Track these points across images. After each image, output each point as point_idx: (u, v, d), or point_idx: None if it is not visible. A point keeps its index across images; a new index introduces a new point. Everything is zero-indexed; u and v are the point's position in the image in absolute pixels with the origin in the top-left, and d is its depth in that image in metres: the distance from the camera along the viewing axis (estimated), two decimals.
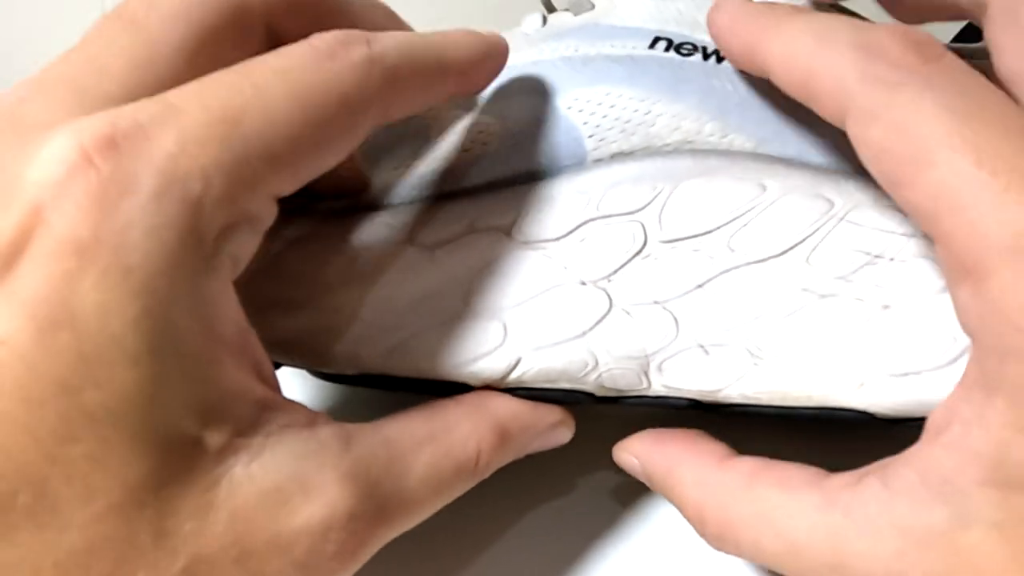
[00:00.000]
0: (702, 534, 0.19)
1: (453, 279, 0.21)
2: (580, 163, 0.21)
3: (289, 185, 0.16)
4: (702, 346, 0.21)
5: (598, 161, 0.21)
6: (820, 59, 0.17)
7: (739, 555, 0.19)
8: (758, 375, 0.21)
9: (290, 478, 0.15)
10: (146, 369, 0.13)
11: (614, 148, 0.21)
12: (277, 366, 0.21)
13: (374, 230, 0.21)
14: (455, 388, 0.21)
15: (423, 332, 0.21)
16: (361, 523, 0.16)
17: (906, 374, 0.20)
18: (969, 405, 0.16)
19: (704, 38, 0.22)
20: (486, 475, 0.20)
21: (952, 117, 0.15)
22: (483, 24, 0.25)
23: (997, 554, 0.15)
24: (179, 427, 0.14)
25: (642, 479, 0.21)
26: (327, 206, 0.21)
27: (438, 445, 0.18)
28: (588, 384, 0.21)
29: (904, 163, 0.16)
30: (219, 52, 0.17)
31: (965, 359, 0.19)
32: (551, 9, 0.25)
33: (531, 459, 0.22)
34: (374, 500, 0.17)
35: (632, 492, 0.24)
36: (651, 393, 0.21)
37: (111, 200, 0.13)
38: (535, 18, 0.24)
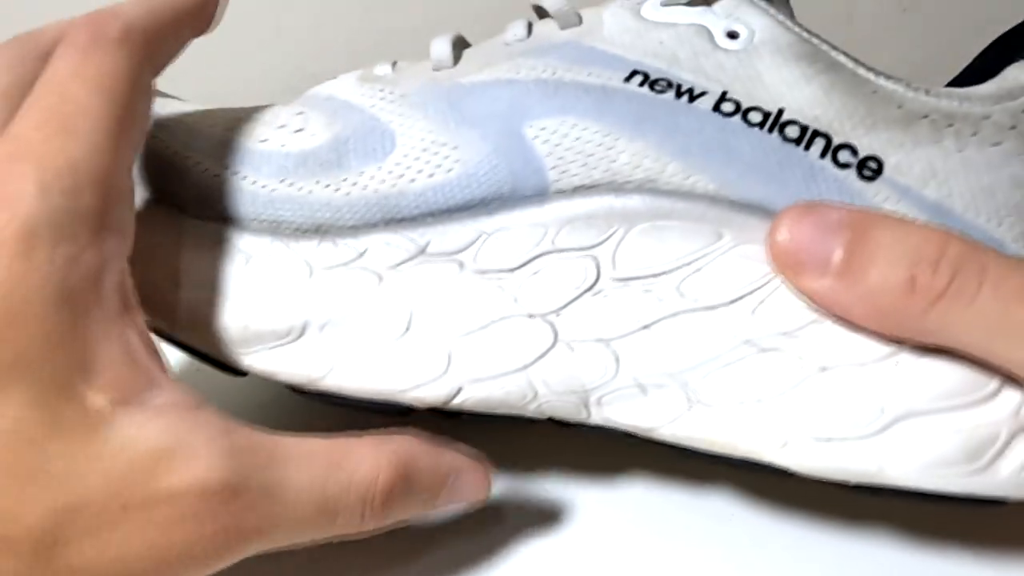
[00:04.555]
0: None
1: (401, 303, 0.21)
2: (541, 194, 0.21)
3: (128, 159, 0.19)
4: (641, 385, 0.21)
5: (559, 193, 0.21)
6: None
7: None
8: (691, 420, 0.21)
9: (168, 445, 0.17)
10: (40, 328, 0.16)
11: (576, 181, 0.21)
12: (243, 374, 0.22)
13: (323, 250, 0.21)
14: (400, 409, 0.21)
15: (367, 353, 0.21)
16: (233, 506, 0.17)
17: (831, 439, 0.20)
18: None
19: (681, 74, 0.21)
20: (384, 519, 0.20)
21: None
22: (483, 24, 0.25)
23: None
24: (67, 383, 0.17)
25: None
26: (286, 228, 0.21)
27: (330, 463, 0.19)
28: (528, 412, 0.22)
29: None
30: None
31: (891, 431, 0.20)
32: (541, 15, 0.24)
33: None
34: (247, 491, 0.18)
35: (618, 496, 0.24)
36: (591, 423, 0.22)
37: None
38: (520, 26, 0.23)
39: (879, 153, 0.21)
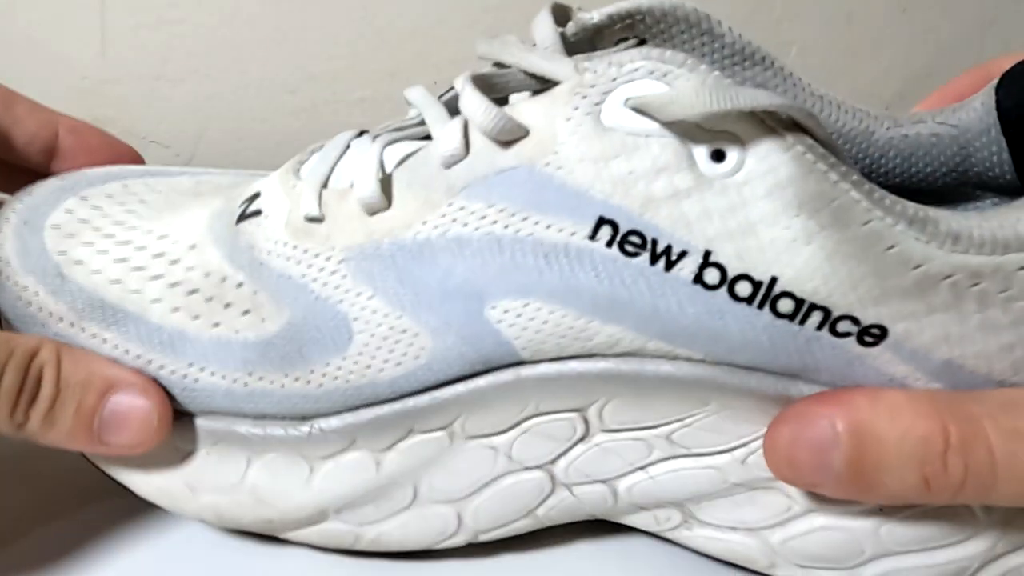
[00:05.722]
0: None
1: (402, 479, 0.22)
2: (516, 366, 0.20)
3: None
4: (642, 506, 0.22)
5: (535, 363, 0.20)
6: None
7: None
8: (688, 531, 0.22)
9: None
10: None
11: (551, 355, 0.20)
12: None
13: (314, 441, 0.21)
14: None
15: (386, 526, 0.22)
16: None
17: (812, 568, 0.22)
18: None
19: (658, 223, 0.18)
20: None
21: None
22: (483, 24, 0.25)
23: None
24: None
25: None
26: (272, 418, 0.22)
27: None
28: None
29: None
30: None
31: (870, 566, 0.21)
32: (496, 96, 0.20)
33: None
34: None
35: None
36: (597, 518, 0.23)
37: None
38: (455, 137, 0.19)
39: (884, 322, 0.18)
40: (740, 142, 0.18)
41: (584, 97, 0.18)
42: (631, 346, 0.19)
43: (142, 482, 0.22)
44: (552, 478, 0.22)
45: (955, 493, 0.18)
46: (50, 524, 0.24)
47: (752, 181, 0.18)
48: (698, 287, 0.18)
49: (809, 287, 0.18)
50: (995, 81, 0.21)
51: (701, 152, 0.18)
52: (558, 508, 0.22)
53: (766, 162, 0.18)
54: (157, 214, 0.23)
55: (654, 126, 0.18)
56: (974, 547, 0.20)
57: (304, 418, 0.21)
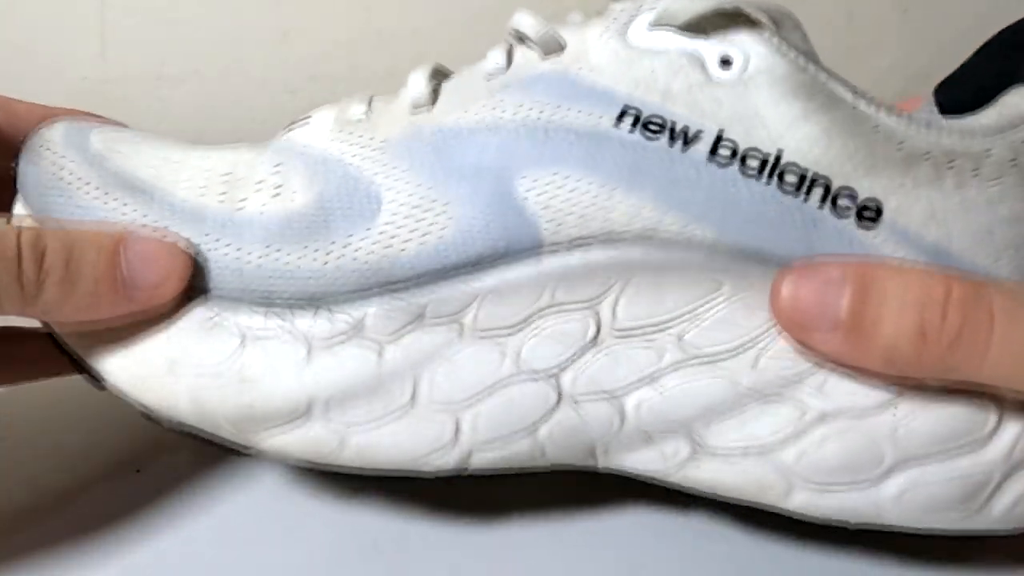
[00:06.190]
0: None
1: (403, 375, 0.21)
2: (537, 249, 0.21)
3: None
4: (647, 435, 0.21)
5: (555, 248, 0.21)
6: None
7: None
8: (696, 467, 0.21)
9: None
10: None
11: (572, 233, 0.20)
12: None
13: (320, 324, 0.21)
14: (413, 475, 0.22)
15: (375, 432, 0.21)
16: None
17: (832, 485, 0.21)
18: None
19: (675, 110, 0.20)
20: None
21: None
22: (483, 24, 0.25)
23: None
24: None
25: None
26: (278, 300, 0.21)
27: None
28: (537, 467, 0.22)
29: None
30: None
31: (890, 479, 0.20)
32: (521, 39, 0.22)
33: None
34: None
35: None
36: (598, 469, 0.22)
37: None
38: (499, 55, 0.22)
39: (879, 196, 0.20)
40: (744, 52, 0.21)
41: (614, 19, 0.21)
42: (648, 221, 0.20)
43: (118, 367, 0.21)
44: (558, 390, 0.21)
45: (948, 349, 0.19)
46: (49, 525, 0.24)
47: (755, 77, 0.20)
48: (712, 164, 0.20)
49: (810, 158, 0.20)
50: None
51: (712, 60, 0.21)
52: (561, 429, 0.21)
53: (765, 63, 0.20)
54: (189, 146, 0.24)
55: (672, 44, 0.21)
56: (993, 453, 0.20)
57: (312, 299, 0.21)
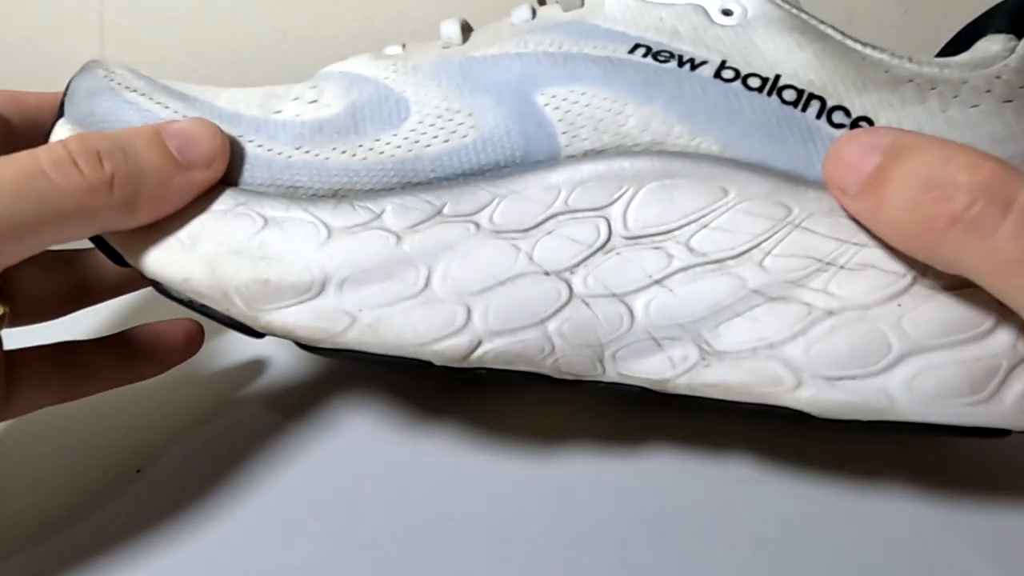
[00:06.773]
0: None
1: (419, 261, 0.21)
2: (553, 158, 0.22)
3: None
4: (654, 338, 0.22)
5: (570, 157, 0.22)
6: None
7: None
8: (705, 369, 0.22)
9: None
10: None
11: (586, 145, 0.22)
12: (260, 335, 0.22)
13: (341, 212, 0.22)
14: (418, 364, 0.22)
15: (387, 311, 0.21)
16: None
17: (842, 378, 0.21)
18: None
19: (682, 47, 0.23)
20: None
21: None
22: (482, 23, 0.25)
23: None
24: None
25: None
26: (303, 193, 0.22)
27: None
28: (545, 368, 0.22)
29: None
30: None
31: (899, 367, 0.21)
32: (542, 2, 0.25)
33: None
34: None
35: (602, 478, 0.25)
36: (605, 379, 0.23)
37: None
38: (525, 9, 0.25)
39: (870, 113, 0.22)
40: (742, 4, 0.23)
41: None
42: (658, 133, 0.22)
43: (138, 240, 0.22)
44: (569, 287, 0.22)
45: (947, 227, 0.18)
46: (49, 525, 0.24)
47: (753, 21, 0.23)
48: (717, 80, 0.22)
49: (806, 79, 0.22)
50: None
51: (714, 10, 0.23)
52: (571, 325, 0.22)
53: (761, 10, 0.23)
54: None
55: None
56: (999, 341, 0.21)
57: (336, 194, 0.22)
